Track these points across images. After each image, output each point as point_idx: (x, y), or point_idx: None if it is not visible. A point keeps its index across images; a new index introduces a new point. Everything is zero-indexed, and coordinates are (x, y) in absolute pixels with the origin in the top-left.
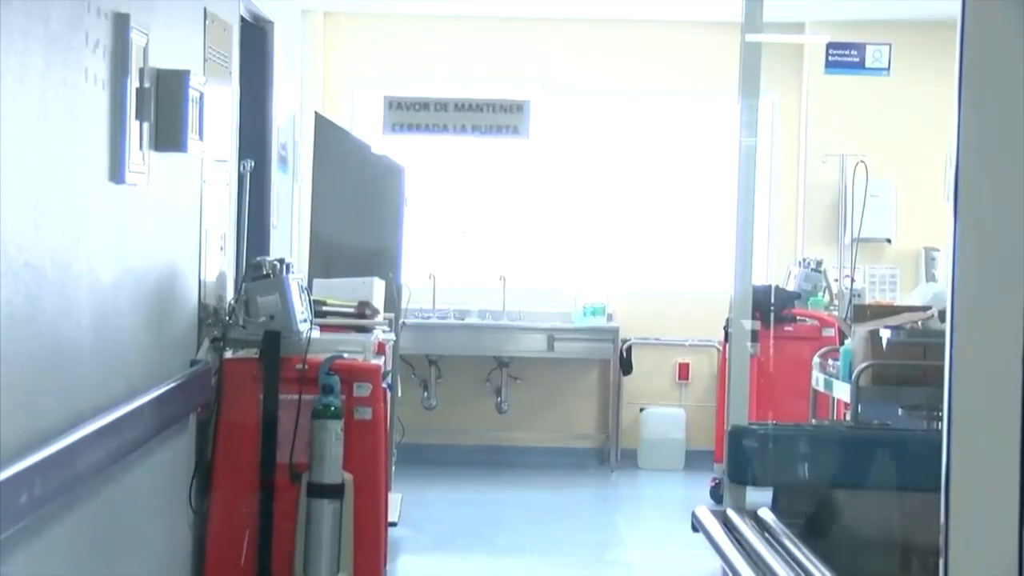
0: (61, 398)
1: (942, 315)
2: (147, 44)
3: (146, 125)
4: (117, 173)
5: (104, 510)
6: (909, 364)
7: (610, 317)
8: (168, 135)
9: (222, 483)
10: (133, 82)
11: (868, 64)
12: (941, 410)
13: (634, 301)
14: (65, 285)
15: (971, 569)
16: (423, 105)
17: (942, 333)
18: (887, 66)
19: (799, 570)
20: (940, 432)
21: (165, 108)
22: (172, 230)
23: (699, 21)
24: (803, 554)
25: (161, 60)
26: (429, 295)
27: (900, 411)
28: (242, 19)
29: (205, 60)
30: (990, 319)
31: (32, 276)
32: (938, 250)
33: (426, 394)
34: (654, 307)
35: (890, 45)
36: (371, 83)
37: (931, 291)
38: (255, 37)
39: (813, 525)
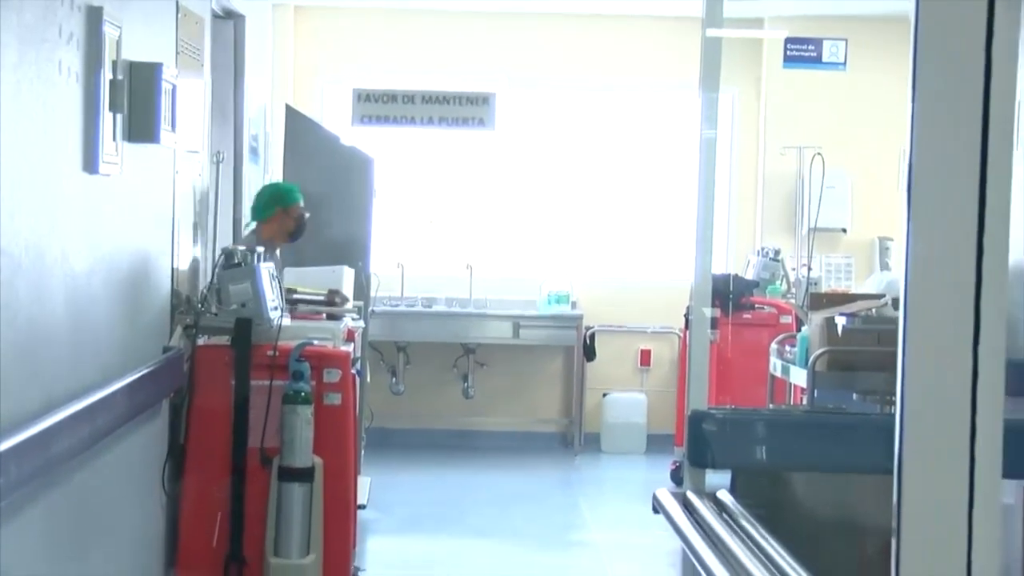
0: (35, 383)
1: (895, 303)
2: (120, 37)
3: (119, 116)
4: (91, 163)
5: (79, 493)
6: (863, 350)
7: (574, 305)
8: (141, 127)
9: (195, 467)
10: (106, 74)
11: (825, 59)
12: (894, 395)
13: (597, 289)
14: (39, 273)
15: (922, 548)
16: (391, 97)
17: (895, 320)
18: (843, 61)
19: (756, 550)
20: (893, 416)
21: (138, 100)
22: (145, 219)
23: (660, 16)
24: (760, 534)
25: (134, 53)
26: (397, 283)
27: (855, 396)
28: (214, 13)
29: (177, 53)
30: (942, 307)
31: (7, 263)
32: (892, 240)
33: (394, 380)
34: (617, 295)
35: (846, 40)
36: (340, 76)
37: (885, 279)
38: (226, 30)
39: (770, 506)
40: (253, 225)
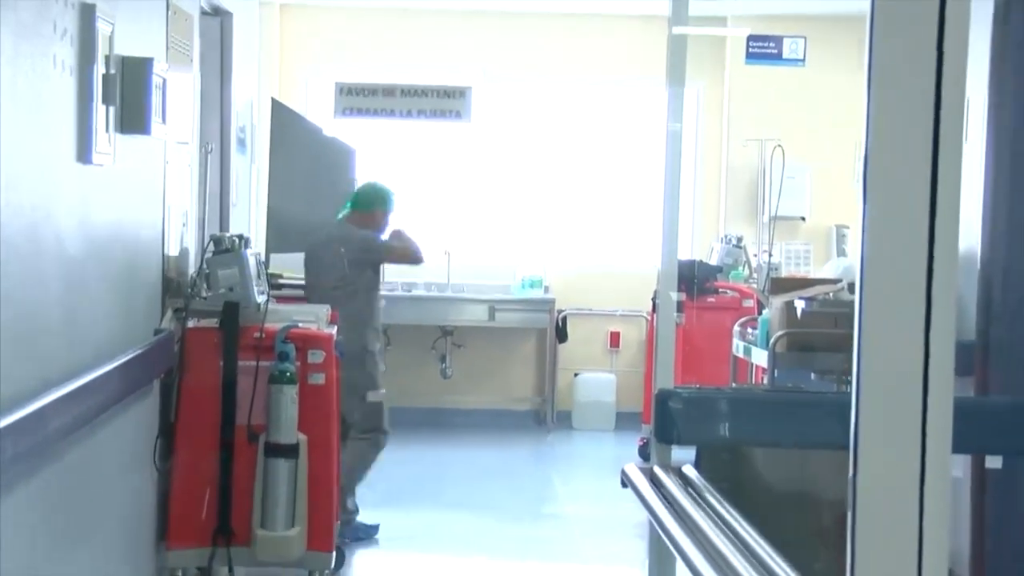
0: (32, 364)
1: (851, 287)
2: (112, 33)
3: (112, 109)
4: (84, 154)
5: (73, 469)
6: (821, 332)
7: (547, 289)
8: (133, 119)
9: (184, 444)
10: (99, 69)
11: (785, 55)
12: (850, 374)
13: (569, 274)
14: (35, 258)
15: (877, 519)
16: (372, 91)
17: (852, 304)
18: (803, 57)
19: (719, 521)
20: (849, 394)
21: (130, 93)
22: (137, 208)
23: (629, 15)
24: (723, 507)
25: (126, 48)
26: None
27: (813, 375)
28: (202, 10)
29: (168, 48)
30: (895, 291)
31: (4, 249)
32: (848, 227)
33: None
34: (588, 280)
35: (805, 38)
36: (324, 70)
37: (842, 265)
38: (215, 27)
39: (733, 480)
40: (348, 209)
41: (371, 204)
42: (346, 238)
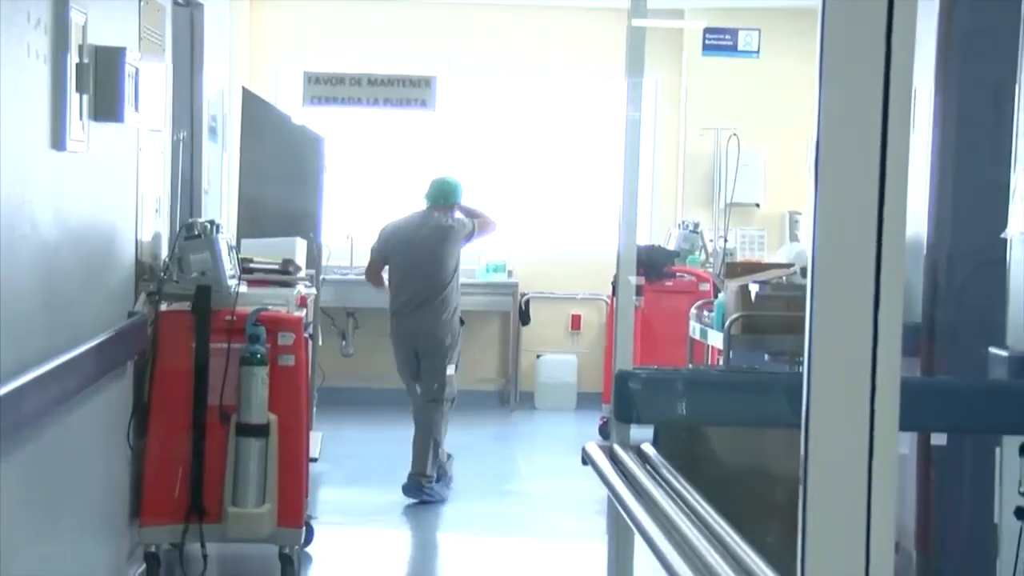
0: (9, 347)
1: (803, 271)
2: (86, 22)
3: (85, 97)
4: (58, 141)
5: (50, 449)
6: (774, 315)
7: (510, 273)
8: (106, 107)
9: (158, 423)
10: (73, 57)
11: (740, 47)
12: (802, 355)
13: (531, 259)
14: (11, 244)
15: (827, 494)
16: (339, 80)
17: (804, 287)
18: (757, 49)
19: (676, 497)
20: (801, 375)
21: (103, 82)
22: (110, 194)
23: (589, 7)
24: (680, 483)
25: (99, 38)
26: (347, 253)
27: (767, 357)
28: (174, 1)
29: (140, 38)
30: (845, 275)
31: None
32: (800, 214)
33: (344, 343)
34: (549, 264)
35: (759, 31)
36: (292, 60)
37: (794, 250)
38: (186, 17)
39: (689, 458)
40: (430, 204)
41: (452, 198)
42: (455, 227)
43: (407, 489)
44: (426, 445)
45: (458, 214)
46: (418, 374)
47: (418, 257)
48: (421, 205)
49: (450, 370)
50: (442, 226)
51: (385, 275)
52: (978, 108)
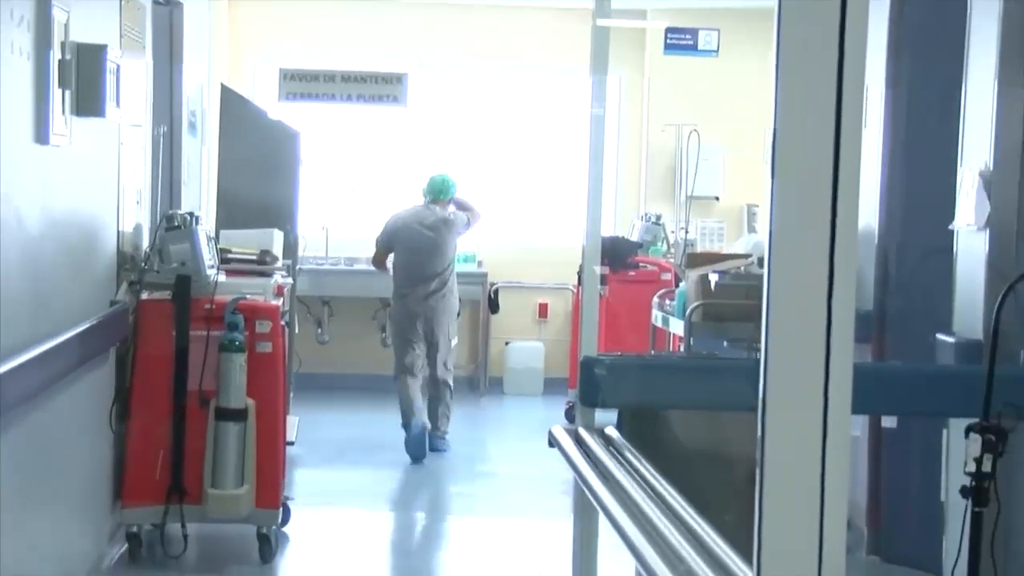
0: None
1: (761, 261)
2: (68, 21)
3: (68, 93)
4: (42, 135)
5: (34, 432)
6: (733, 303)
7: (480, 264)
8: (88, 102)
9: (139, 408)
10: (55, 54)
11: (700, 47)
12: (759, 342)
13: (500, 250)
14: None
15: (783, 475)
16: (314, 76)
17: (761, 277)
18: (716, 48)
19: (638, 478)
20: (758, 361)
21: (85, 78)
22: (93, 186)
23: (555, 7)
24: (642, 465)
25: (81, 35)
26: (322, 244)
27: (726, 343)
28: (154, 0)
29: (121, 36)
30: (801, 265)
31: None
32: (758, 206)
33: (320, 330)
34: (518, 255)
35: (719, 31)
36: (269, 57)
37: (752, 241)
38: (166, 16)
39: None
40: (430, 199)
41: (449, 193)
42: (454, 219)
43: (432, 446)
44: (445, 408)
45: (452, 207)
46: (421, 347)
47: (423, 246)
48: (415, 200)
49: (453, 342)
50: (445, 219)
51: (388, 263)
52: (927, 106)
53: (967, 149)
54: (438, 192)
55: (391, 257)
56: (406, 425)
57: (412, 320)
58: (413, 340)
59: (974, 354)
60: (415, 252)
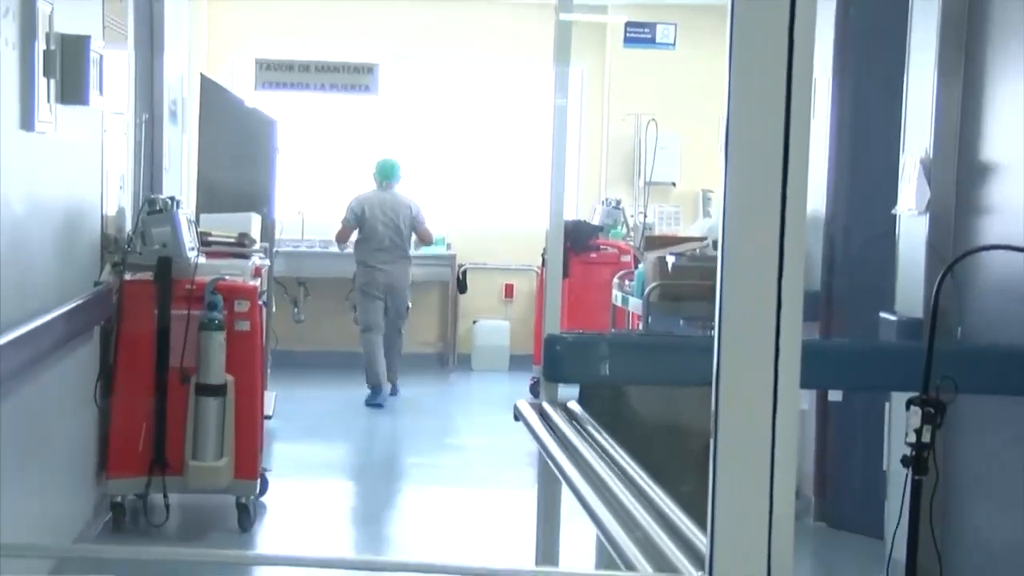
0: None
1: (715, 244)
2: (52, 12)
3: (53, 82)
4: (28, 122)
5: (22, 407)
6: (689, 284)
7: (449, 246)
8: (72, 91)
9: (123, 384)
10: (40, 44)
11: (658, 40)
12: (714, 320)
13: (468, 233)
14: None
15: (735, 446)
16: (288, 66)
17: (715, 258)
18: (673, 42)
19: (599, 449)
20: (712, 338)
21: (69, 68)
22: (77, 171)
23: (520, 2)
24: (603, 437)
25: (65, 26)
26: (299, 228)
27: (682, 322)
28: None
29: (104, 27)
30: (752, 247)
31: None
32: (712, 191)
33: (296, 310)
34: (485, 238)
35: (676, 25)
36: (246, 47)
37: (707, 225)
38: (147, 8)
39: (611, 414)
40: (383, 182)
41: (397, 175)
42: (408, 204)
43: (392, 393)
44: (398, 359)
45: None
46: (385, 311)
47: (387, 224)
48: (372, 184)
49: (408, 305)
50: (403, 202)
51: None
52: (871, 96)
53: (908, 137)
54: (387, 174)
55: (354, 234)
56: (373, 387)
57: (376, 285)
58: (376, 301)
59: (914, 331)
60: (382, 226)
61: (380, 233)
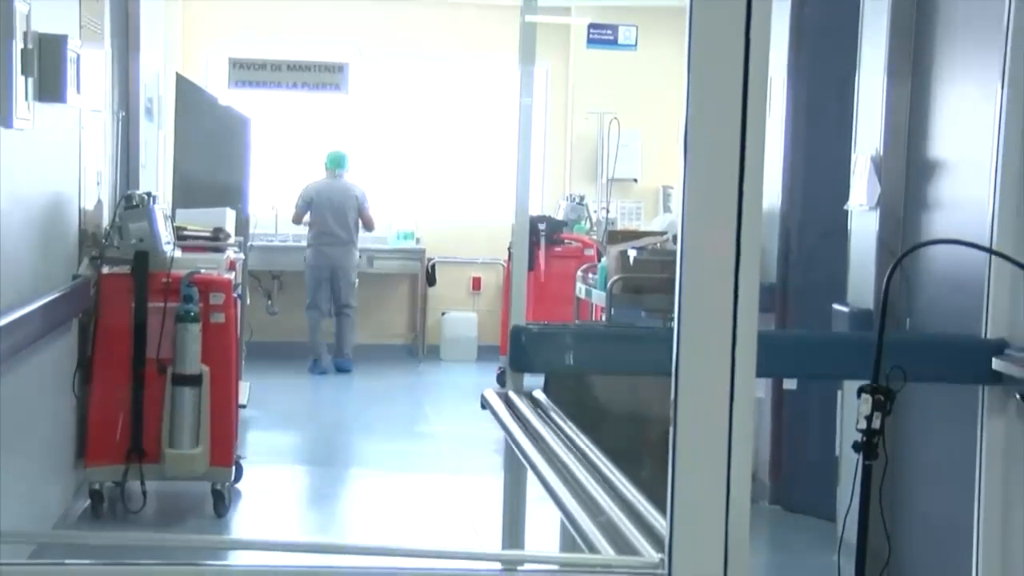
0: None
1: (675, 238)
2: (29, 12)
3: (30, 80)
4: (5, 119)
5: (1, 396)
6: (650, 277)
7: (418, 240)
8: (50, 89)
9: (101, 374)
10: (18, 44)
11: (620, 41)
12: (674, 312)
13: (437, 227)
14: None
15: (694, 433)
16: (261, 65)
17: (675, 252)
18: (635, 43)
19: (563, 436)
20: (672, 329)
21: (47, 66)
22: (55, 167)
23: (487, 4)
24: (567, 425)
25: (42, 26)
26: (272, 222)
27: (643, 313)
28: None
29: (81, 26)
30: (710, 241)
31: None
32: (672, 188)
33: (270, 302)
34: (453, 232)
35: (637, 26)
36: (220, 47)
37: (667, 220)
38: (122, 8)
39: (575, 402)
40: (335, 170)
41: (345, 164)
42: (354, 191)
43: (340, 367)
44: (351, 334)
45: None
46: (331, 289)
47: (334, 208)
48: (323, 172)
49: (355, 283)
50: (349, 189)
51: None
52: (824, 96)
53: (860, 135)
54: (337, 163)
55: (307, 216)
56: (315, 359)
57: (325, 266)
58: (322, 280)
59: (865, 322)
60: (327, 212)
61: (327, 218)
